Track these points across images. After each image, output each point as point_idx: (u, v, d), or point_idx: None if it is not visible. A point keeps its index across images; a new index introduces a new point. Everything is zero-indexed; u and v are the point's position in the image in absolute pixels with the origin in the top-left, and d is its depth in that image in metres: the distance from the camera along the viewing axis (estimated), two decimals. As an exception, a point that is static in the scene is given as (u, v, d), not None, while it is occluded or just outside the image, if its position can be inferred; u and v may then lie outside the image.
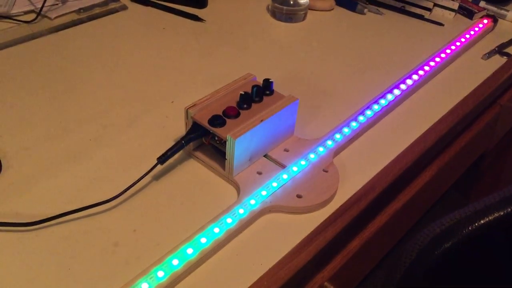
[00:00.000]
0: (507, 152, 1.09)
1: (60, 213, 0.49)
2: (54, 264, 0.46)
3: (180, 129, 0.60)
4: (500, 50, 0.81)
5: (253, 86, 0.57)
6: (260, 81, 0.59)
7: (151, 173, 0.53)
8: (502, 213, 0.44)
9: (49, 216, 0.49)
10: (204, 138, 0.56)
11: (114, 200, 0.51)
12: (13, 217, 0.50)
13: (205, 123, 0.54)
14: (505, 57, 0.80)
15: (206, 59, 0.76)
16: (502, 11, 0.90)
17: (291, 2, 0.85)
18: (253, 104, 0.57)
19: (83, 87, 0.68)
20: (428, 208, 0.76)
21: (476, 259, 0.48)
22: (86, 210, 0.50)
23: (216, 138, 0.55)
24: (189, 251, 0.46)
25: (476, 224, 0.44)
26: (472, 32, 0.84)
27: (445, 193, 0.83)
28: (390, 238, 0.68)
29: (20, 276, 0.45)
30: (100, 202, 0.50)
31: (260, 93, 0.57)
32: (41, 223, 0.48)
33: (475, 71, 0.76)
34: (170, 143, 0.57)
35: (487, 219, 0.44)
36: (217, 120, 0.54)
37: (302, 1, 0.86)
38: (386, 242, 0.67)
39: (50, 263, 0.46)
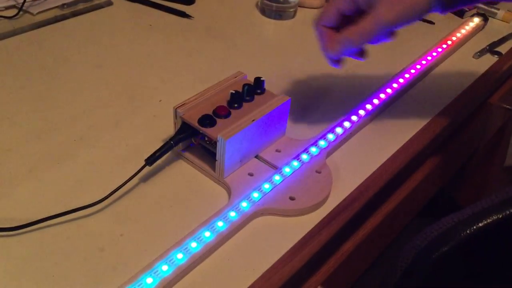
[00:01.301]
0: (495, 152, 1.09)
1: (43, 217, 0.47)
2: (38, 271, 0.44)
3: (168, 129, 0.58)
4: (491, 49, 0.80)
5: (244, 85, 0.55)
6: (250, 79, 0.58)
7: (139, 175, 0.51)
8: (501, 216, 0.43)
9: (32, 220, 0.47)
10: (193, 139, 0.54)
11: (100, 204, 0.49)
12: (-6, 222, 0.47)
13: (194, 123, 0.52)
14: (496, 56, 0.79)
15: (194, 56, 0.74)
16: (493, 10, 0.89)
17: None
18: (244, 104, 0.55)
19: (67, 86, 0.66)
20: (420, 209, 0.75)
21: (474, 263, 0.47)
22: (71, 214, 0.48)
23: (206, 139, 0.53)
24: (179, 256, 0.45)
25: (474, 227, 0.43)
26: (463, 31, 0.83)
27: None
28: (383, 239, 0.67)
29: (1, 284, 0.43)
30: (85, 205, 0.48)
31: (251, 92, 0.56)
32: (23, 228, 0.46)
33: (467, 70, 0.76)
34: (158, 144, 0.55)
35: (485, 222, 0.43)
36: (207, 120, 0.52)
37: (291, -2, 0.84)
38: (379, 243, 0.66)
39: (33, 270, 0.44)
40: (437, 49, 0.78)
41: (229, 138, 0.50)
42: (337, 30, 0.54)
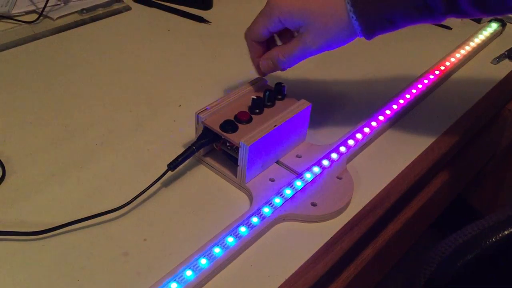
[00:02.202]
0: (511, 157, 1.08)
1: (68, 221, 0.47)
2: (62, 275, 0.44)
3: (188, 134, 0.58)
4: (509, 54, 0.80)
5: (265, 90, 0.55)
6: (270, 84, 0.58)
7: (160, 180, 0.52)
8: (527, 224, 0.42)
9: (56, 224, 0.47)
10: (215, 144, 0.54)
11: (123, 208, 0.49)
12: (18, 226, 0.48)
13: (216, 128, 0.52)
14: (515, 61, 0.79)
15: (212, 61, 0.75)
16: (511, 15, 0.89)
17: (298, 4, 0.84)
18: (265, 109, 0.55)
19: (87, 90, 0.66)
20: (439, 214, 0.74)
21: (499, 271, 0.46)
22: (94, 219, 0.48)
23: (228, 144, 0.53)
24: (203, 261, 0.45)
25: (500, 235, 0.43)
26: (480, 36, 0.83)
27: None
28: (402, 246, 0.67)
29: (26, 288, 0.43)
30: (109, 210, 0.48)
31: (272, 97, 0.56)
32: (47, 232, 0.47)
33: (485, 76, 0.75)
34: (179, 148, 0.55)
35: (510, 230, 0.43)
36: (229, 125, 0.52)
37: (309, 3, 0.84)
38: (397, 250, 0.66)
39: (57, 275, 0.44)
40: (455, 54, 0.77)
41: (251, 143, 0.50)
42: (266, 44, 0.57)
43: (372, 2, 0.47)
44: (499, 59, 0.79)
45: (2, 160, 0.54)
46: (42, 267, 0.45)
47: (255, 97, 0.54)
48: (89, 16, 0.80)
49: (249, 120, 0.53)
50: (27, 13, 0.79)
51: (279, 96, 0.57)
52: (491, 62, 0.79)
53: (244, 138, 0.50)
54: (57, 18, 0.78)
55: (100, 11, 0.81)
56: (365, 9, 0.48)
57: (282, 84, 0.57)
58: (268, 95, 0.55)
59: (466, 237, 0.44)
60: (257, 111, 0.54)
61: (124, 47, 0.76)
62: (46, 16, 0.79)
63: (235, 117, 0.53)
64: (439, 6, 0.46)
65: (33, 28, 0.76)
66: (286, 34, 0.55)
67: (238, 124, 0.53)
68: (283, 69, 0.56)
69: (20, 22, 0.77)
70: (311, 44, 0.51)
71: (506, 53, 0.80)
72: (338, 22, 0.49)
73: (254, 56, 0.57)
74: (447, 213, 0.81)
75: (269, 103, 0.55)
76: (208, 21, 0.83)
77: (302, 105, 0.55)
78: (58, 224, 0.47)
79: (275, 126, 0.52)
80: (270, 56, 0.55)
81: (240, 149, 0.50)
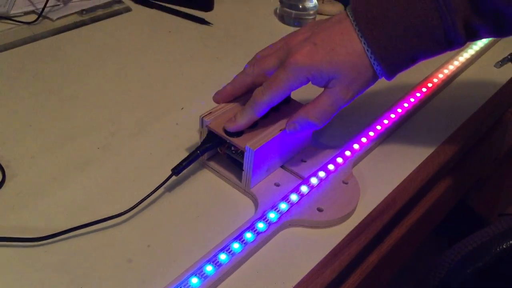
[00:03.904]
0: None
1: (70, 227, 0.46)
2: (65, 282, 0.43)
3: (191, 137, 0.57)
4: (512, 58, 0.80)
5: (270, 94, 0.54)
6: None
7: (164, 185, 0.51)
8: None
9: (58, 230, 0.46)
10: (219, 148, 0.53)
11: (127, 213, 0.48)
12: (19, 232, 0.47)
13: (221, 132, 0.51)
14: (518, 65, 0.78)
15: (214, 63, 0.74)
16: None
17: (300, 6, 0.83)
18: (270, 113, 0.54)
19: (87, 92, 0.65)
20: (442, 218, 0.74)
21: (509, 279, 0.46)
22: (98, 224, 0.47)
23: (232, 148, 0.52)
24: (209, 268, 0.44)
25: (511, 241, 0.42)
26: (483, 39, 0.82)
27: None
28: (406, 251, 0.66)
29: (28, 296, 0.42)
30: (113, 215, 0.47)
31: (277, 101, 0.55)
32: (49, 238, 0.46)
33: (489, 79, 0.75)
34: (182, 152, 0.55)
35: (522, 237, 0.43)
36: (234, 130, 0.51)
37: (311, 5, 0.84)
38: (403, 254, 0.65)
39: (60, 282, 0.43)
40: (458, 58, 0.77)
41: (257, 148, 0.49)
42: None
43: (392, 46, 0.46)
44: (502, 62, 0.79)
45: (2, 164, 0.53)
46: (44, 274, 0.44)
47: (260, 101, 0.53)
48: (89, 17, 0.79)
49: (254, 124, 0.52)
50: (26, 13, 0.78)
51: (284, 100, 0.56)
52: (494, 66, 0.78)
53: (250, 143, 0.49)
54: (56, 19, 0.77)
55: (100, 12, 0.80)
56: (387, 54, 0.46)
57: (287, 88, 0.56)
58: (273, 98, 0.54)
59: (475, 244, 0.44)
60: (262, 115, 0.53)
61: (124, 49, 0.75)
62: (46, 17, 0.78)
63: (240, 121, 0.52)
64: (459, 38, 0.46)
65: (32, 29, 0.75)
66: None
67: (243, 128, 0.52)
68: (312, 130, 0.54)
69: (19, 23, 0.76)
70: (343, 97, 0.48)
71: (509, 56, 0.80)
72: (363, 70, 0.47)
73: (252, 118, 0.51)
74: (448, 217, 0.80)
75: (274, 107, 0.55)
76: (209, 23, 0.82)
77: (307, 109, 0.55)
78: (60, 230, 0.46)
79: (280, 130, 0.52)
80: (297, 120, 0.50)
81: (245, 153, 0.50)
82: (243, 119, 0.50)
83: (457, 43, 0.47)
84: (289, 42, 0.50)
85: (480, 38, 0.48)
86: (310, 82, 0.49)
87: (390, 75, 0.48)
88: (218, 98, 0.54)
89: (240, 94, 0.55)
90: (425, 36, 0.46)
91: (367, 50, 0.47)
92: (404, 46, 0.46)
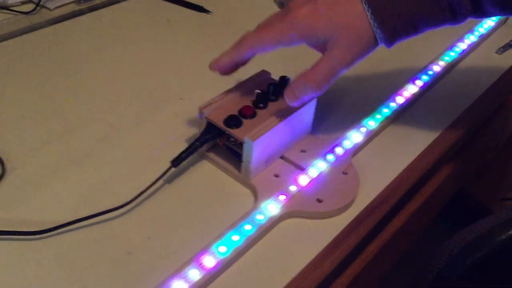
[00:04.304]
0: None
1: (70, 220, 0.46)
2: (64, 275, 0.43)
3: (191, 128, 0.57)
4: (514, 44, 0.79)
5: (269, 84, 0.54)
6: (272, 77, 0.57)
7: (163, 176, 0.51)
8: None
9: (58, 223, 0.46)
10: (218, 139, 0.53)
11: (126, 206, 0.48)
12: (19, 225, 0.47)
13: (220, 123, 0.51)
14: (520, 51, 0.78)
15: (213, 52, 0.72)
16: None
17: (300, -7, 0.82)
18: (269, 103, 0.54)
19: (86, 83, 0.65)
20: (442, 207, 0.74)
21: (509, 269, 0.46)
22: (97, 217, 0.47)
23: (232, 139, 0.52)
24: (208, 260, 0.44)
25: (510, 232, 0.42)
26: (484, 25, 0.82)
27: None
28: (406, 241, 0.66)
29: (28, 289, 0.42)
30: (112, 208, 0.47)
31: (276, 91, 0.54)
32: (49, 231, 0.46)
33: (490, 66, 0.74)
34: (182, 143, 0.54)
35: (522, 227, 0.43)
36: (233, 121, 0.51)
37: (310, -8, 0.83)
38: (401, 245, 0.65)
39: (60, 275, 0.43)
40: (459, 44, 0.76)
41: (256, 139, 0.49)
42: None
43: (392, 8, 0.45)
44: (503, 49, 0.78)
45: (2, 157, 0.53)
46: (44, 267, 0.44)
47: (259, 91, 0.53)
48: (87, 6, 0.78)
49: (253, 115, 0.52)
50: (23, 3, 0.77)
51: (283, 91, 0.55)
52: (495, 52, 0.78)
53: (249, 134, 0.49)
54: (54, 8, 0.77)
55: (98, 0, 0.80)
56: (387, 16, 0.46)
57: (286, 77, 0.55)
58: (273, 88, 0.54)
59: (475, 234, 0.44)
60: (261, 105, 0.53)
61: (123, 38, 0.74)
62: (43, 6, 0.77)
63: (239, 111, 0.52)
64: (463, 7, 0.45)
65: (30, 18, 0.74)
66: None
67: (242, 119, 0.52)
68: (312, 98, 0.53)
69: (16, 13, 0.75)
70: (342, 60, 0.48)
71: (510, 42, 0.79)
72: (362, 32, 0.47)
73: (233, 58, 0.52)
74: (449, 205, 0.80)
75: (273, 97, 0.54)
76: (208, 11, 0.81)
77: (307, 99, 0.54)
78: (60, 223, 0.46)
79: (280, 121, 0.51)
80: (296, 86, 0.50)
81: (244, 144, 0.50)
82: (226, 57, 0.51)
83: (460, 13, 0.46)
84: (290, 4, 0.50)
85: (486, 13, 0.47)
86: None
87: (390, 40, 0.47)
88: (215, 65, 0.54)
89: (239, 61, 0.53)
90: None
91: (368, 10, 0.46)
92: (405, 9, 0.45)
